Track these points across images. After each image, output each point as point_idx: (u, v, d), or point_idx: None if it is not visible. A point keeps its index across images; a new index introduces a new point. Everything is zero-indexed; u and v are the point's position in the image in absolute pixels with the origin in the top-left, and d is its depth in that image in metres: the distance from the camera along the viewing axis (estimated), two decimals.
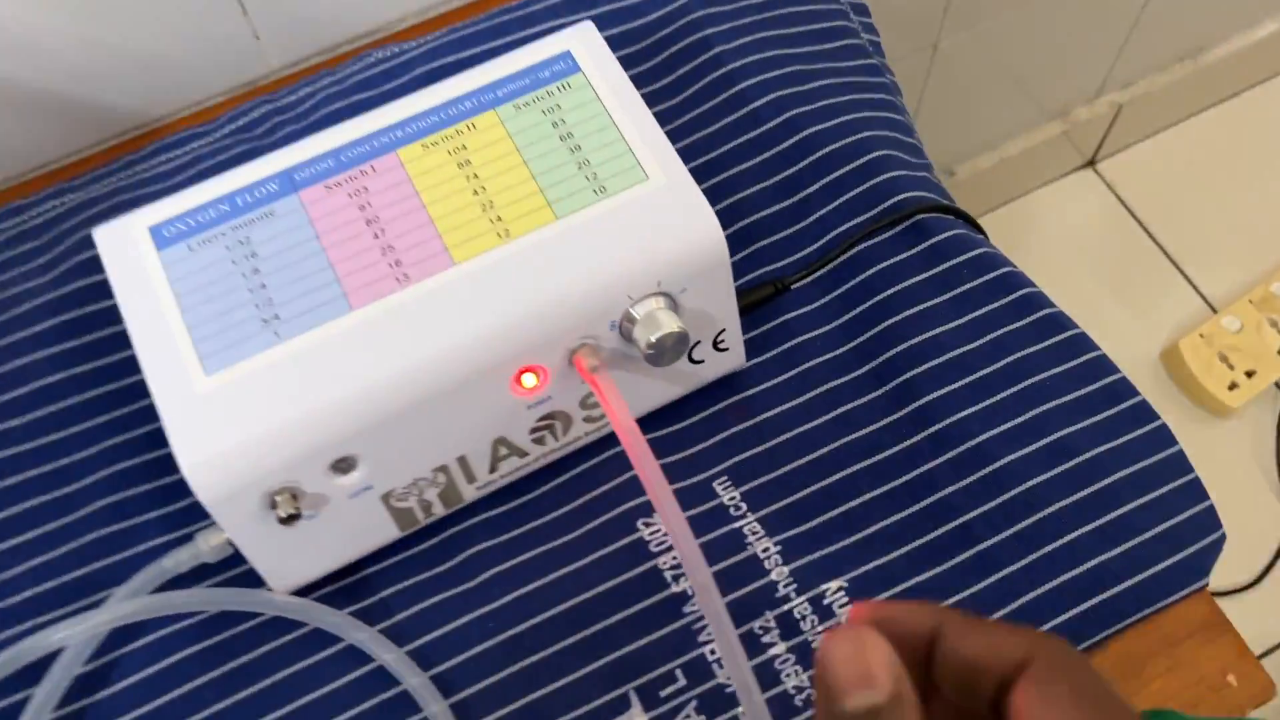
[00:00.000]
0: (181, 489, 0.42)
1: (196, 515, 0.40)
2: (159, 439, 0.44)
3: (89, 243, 0.47)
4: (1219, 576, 0.91)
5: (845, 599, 0.42)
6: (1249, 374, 1.04)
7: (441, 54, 0.52)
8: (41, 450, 0.44)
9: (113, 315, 0.46)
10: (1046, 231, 1.17)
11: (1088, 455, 0.44)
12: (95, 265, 0.47)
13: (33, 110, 0.50)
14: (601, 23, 0.49)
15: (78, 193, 0.50)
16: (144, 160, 0.50)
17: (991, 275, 0.48)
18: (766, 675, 0.40)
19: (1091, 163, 1.22)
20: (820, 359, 0.46)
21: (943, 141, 1.03)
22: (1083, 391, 0.45)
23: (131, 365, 0.45)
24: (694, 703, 0.40)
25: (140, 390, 0.45)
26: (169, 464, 0.42)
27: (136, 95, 0.52)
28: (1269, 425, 1.05)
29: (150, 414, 0.44)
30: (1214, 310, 1.12)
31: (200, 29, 0.50)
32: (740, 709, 0.40)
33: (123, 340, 0.46)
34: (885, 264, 0.48)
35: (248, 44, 0.52)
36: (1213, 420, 1.05)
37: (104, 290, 0.46)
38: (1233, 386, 1.03)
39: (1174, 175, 1.20)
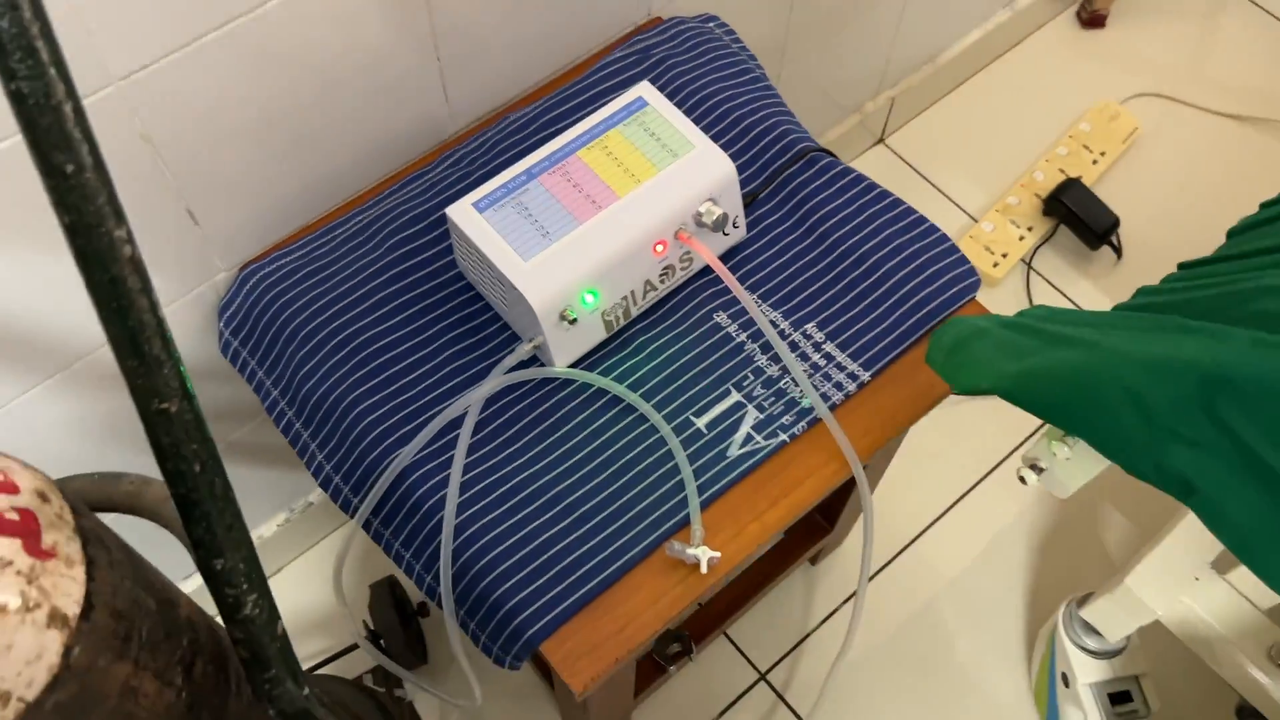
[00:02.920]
0: (511, 336, 0.86)
1: (510, 342, 0.84)
2: (482, 313, 0.87)
3: (398, 232, 0.90)
4: None
5: (819, 332, 0.89)
6: (1004, 255, 1.58)
7: (551, 109, 0.97)
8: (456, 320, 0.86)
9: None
10: None
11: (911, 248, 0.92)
12: (408, 241, 0.89)
13: (322, 184, 0.92)
14: (640, 79, 0.95)
15: (364, 213, 0.92)
16: (396, 192, 0.93)
17: (858, 174, 0.96)
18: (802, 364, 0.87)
19: (881, 139, 1.72)
20: (775, 233, 0.94)
21: None
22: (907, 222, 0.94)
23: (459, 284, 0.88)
24: (760, 385, 0.86)
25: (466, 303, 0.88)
26: (496, 320, 0.86)
27: (361, 167, 0.95)
28: (1020, 286, 1.58)
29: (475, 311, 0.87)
30: (975, 220, 1.64)
31: (411, 115, 0.94)
32: (783, 381, 0.86)
33: (449, 277, 0.89)
34: (802, 179, 0.96)
35: (442, 123, 0.96)
36: (986, 290, 1.57)
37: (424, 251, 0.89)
38: (995, 265, 1.57)
39: (939, 140, 1.72)
